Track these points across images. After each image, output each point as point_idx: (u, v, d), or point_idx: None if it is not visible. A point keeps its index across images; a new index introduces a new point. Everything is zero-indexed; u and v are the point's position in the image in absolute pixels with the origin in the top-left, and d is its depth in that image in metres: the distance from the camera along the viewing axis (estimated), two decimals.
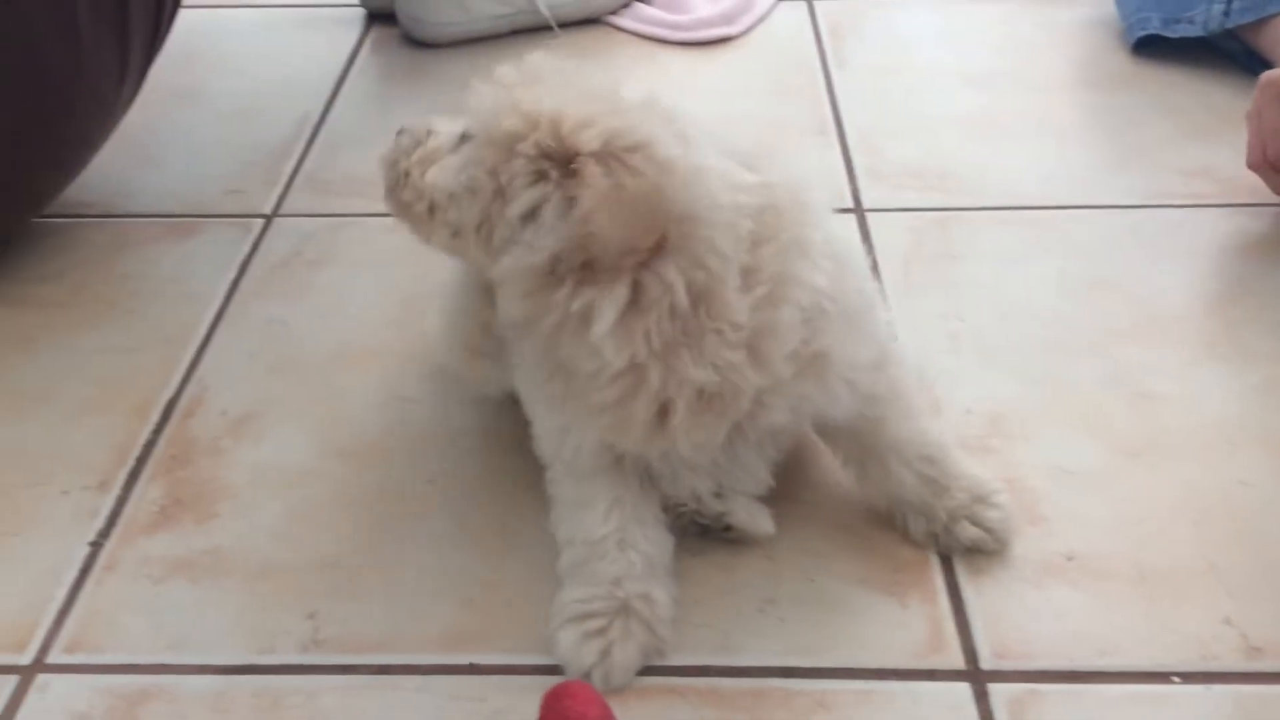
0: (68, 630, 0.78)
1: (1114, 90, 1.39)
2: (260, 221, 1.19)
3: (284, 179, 1.26)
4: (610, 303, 0.66)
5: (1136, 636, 0.77)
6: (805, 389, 0.73)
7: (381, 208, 1.21)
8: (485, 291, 0.83)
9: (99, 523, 0.86)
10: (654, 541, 0.78)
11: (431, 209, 0.75)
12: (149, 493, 0.88)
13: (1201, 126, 1.31)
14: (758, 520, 0.81)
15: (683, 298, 0.66)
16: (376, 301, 1.08)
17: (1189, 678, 0.74)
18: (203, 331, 1.05)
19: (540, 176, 0.67)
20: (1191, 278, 1.09)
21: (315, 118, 1.37)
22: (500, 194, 0.69)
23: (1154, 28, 1.42)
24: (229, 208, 1.22)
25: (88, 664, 0.76)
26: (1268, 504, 0.86)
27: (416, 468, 0.90)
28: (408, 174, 0.77)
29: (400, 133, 0.79)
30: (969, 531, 0.80)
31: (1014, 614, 0.78)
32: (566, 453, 0.78)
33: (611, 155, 0.65)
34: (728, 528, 0.81)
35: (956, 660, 0.75)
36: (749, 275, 0.68)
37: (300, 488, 0.88)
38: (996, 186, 1.22)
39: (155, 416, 0.95)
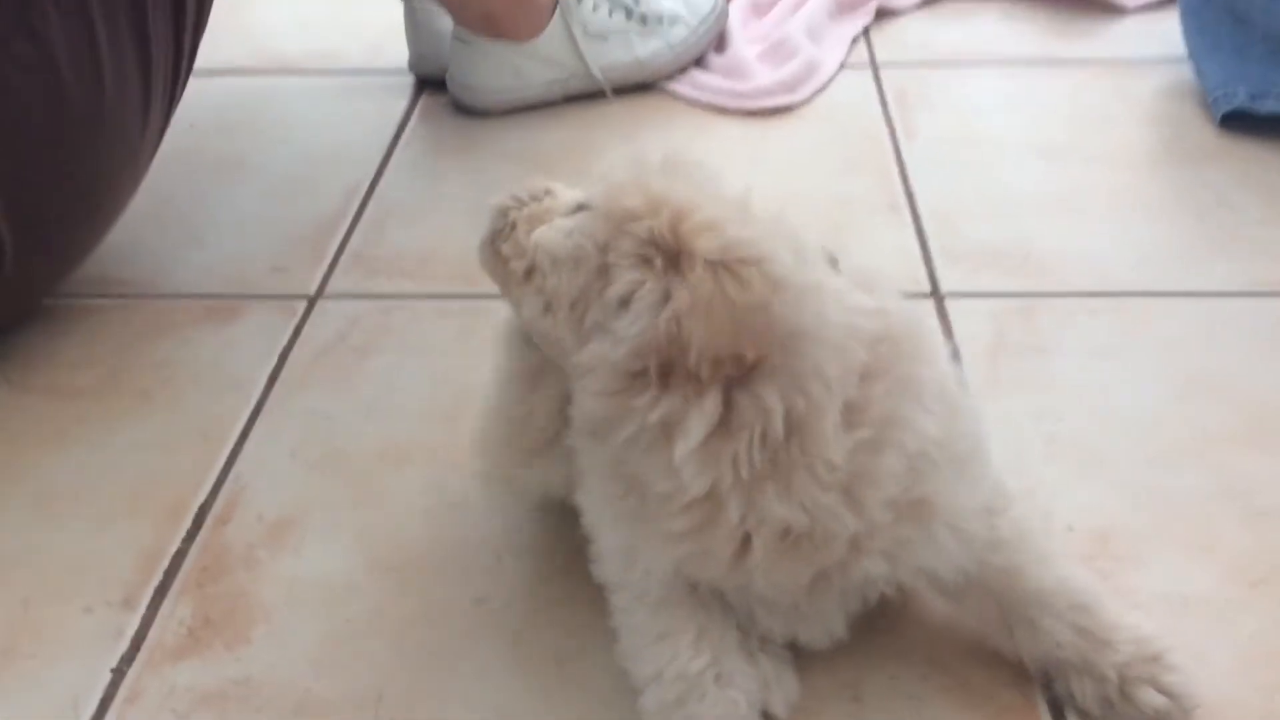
0: None
1: (1201, 166, 1.31)
2: (304, 303, 1.14)
3: (329, 257, 1.21)
4: (699, 419, 0.60)
5: None
6: (905, 535, 0.65)
7: (433, 288, 1.19)
8: (540, 385, 0.76)
9: (123, 645, 0.79)
10: (750, 676, 0.70)
11: (530, 271, 0.69)
12: (178, 611, 0.82)
13: None
14: (774, 696, 0.72)
15: (778, 425, 0.60)
16: (426, 394, 1.02)
17: None
18: (241, 425, 0.99)
19: (644, 262, 0.62)
20: None
21: (363, 191, 1.32)
22: (603, 272, 0.63)
23: (1240, 102, 1.34)
24: (272, 288, 1.16)
25: None
26: None
27: (464, 585, 0.83)
28: (514, 226, 0.70)
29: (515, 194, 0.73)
30: (1153, 700, 0.70)
31: None
32: (634, 577, 0.71)
33: (724, 264, 0.59)
34: None
35: None
36: (853, 412, 0.62)
37: (340, 607, 0.82)
38: (1083, 270, 1.14)
39: (188, 522, 0.89)
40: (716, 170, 0.67)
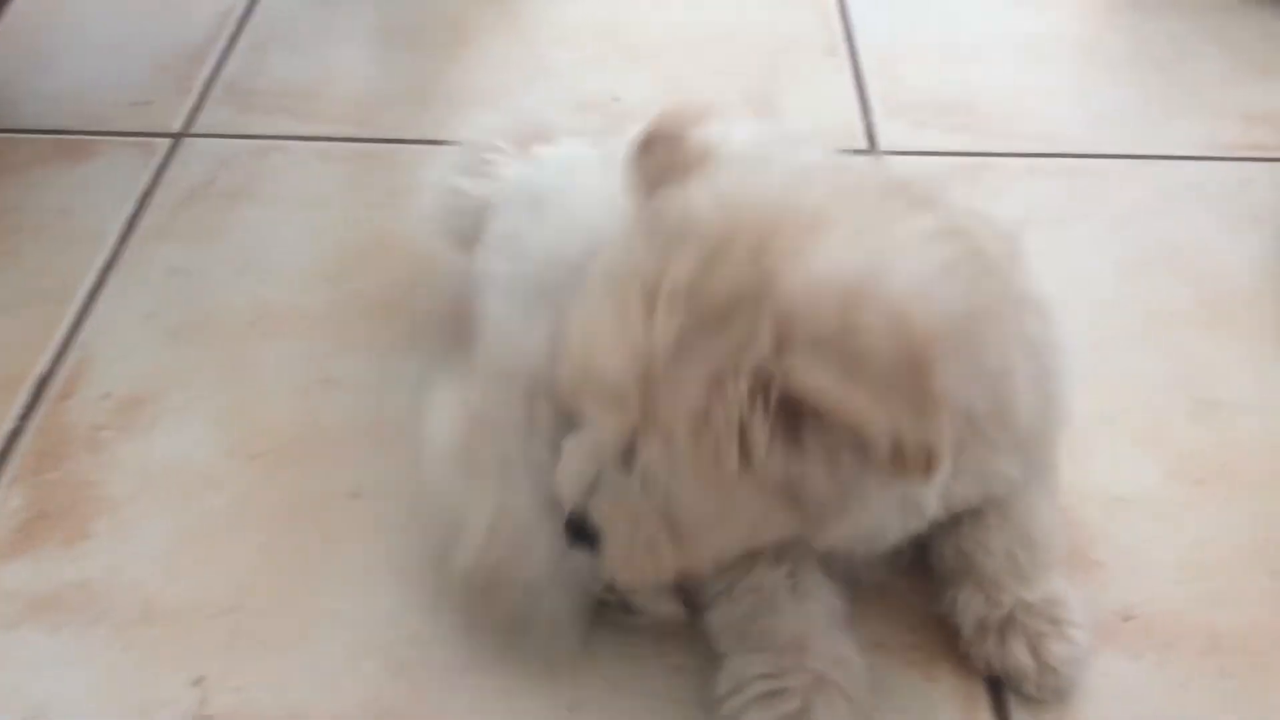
0: None
1: (1164, 15, 1.21)
2: (167, 142, 1.01)
3: (197, 89, 1.07)
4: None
5: None
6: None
7: (317, 129, 1.06)
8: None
9: None
10: (829, 587, 0.63)
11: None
12: (9, 502, 0.72)
13: (1262, 62, 1.14)
14: (661, 600, 0.64)
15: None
16: (305, 249, 0.91)
17: None
18: (90, 283, 0.87)
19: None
20: (1260, 250, 0.93)
21: (238, 12, 1.17)
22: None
23: None
24: (131, 123, 1.02)
25: None
26: None
27: (339, 476, 0.74)
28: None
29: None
30: (1019, 656, 0.62)
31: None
32: None
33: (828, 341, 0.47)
34: (628, 608, 0.64)
35: None
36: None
37: (196, 499, 0.72)
38: (1033, 128, 1.05)
39: (23, 397, 0.78)
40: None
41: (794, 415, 0.48)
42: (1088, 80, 1.11)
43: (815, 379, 0.46)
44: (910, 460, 0.48)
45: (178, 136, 1.01)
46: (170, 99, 1.05)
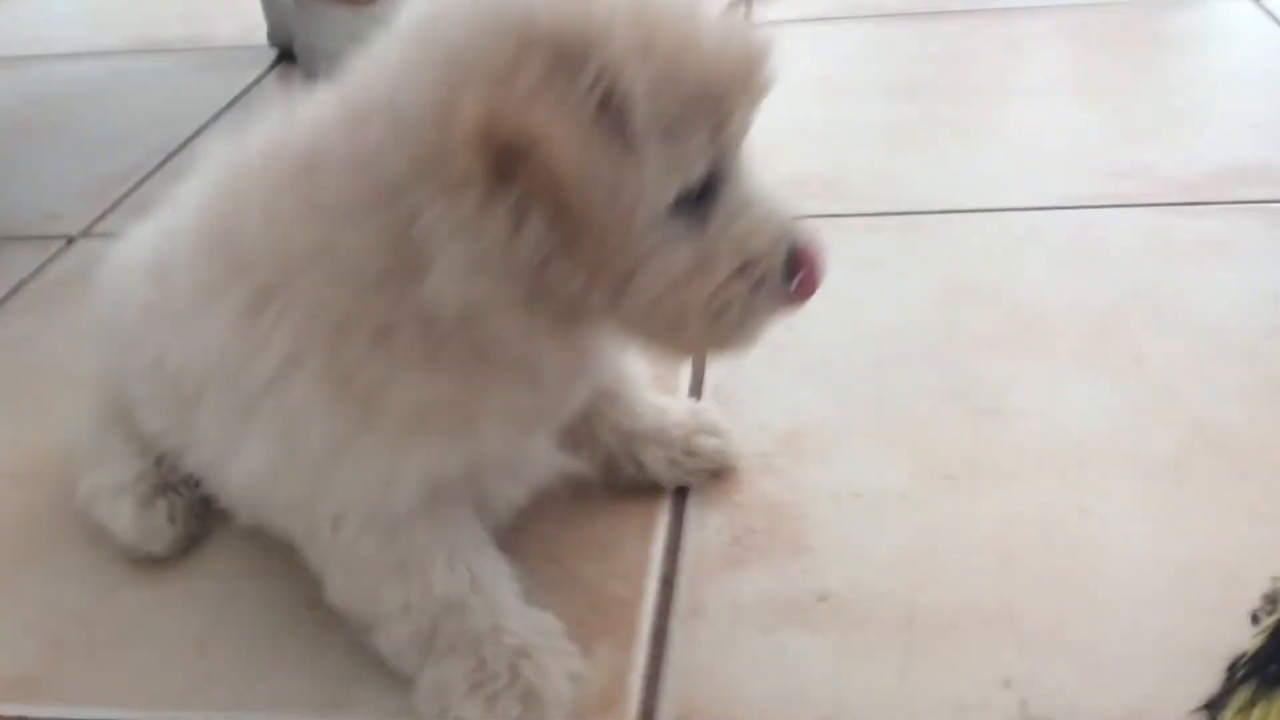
0: None
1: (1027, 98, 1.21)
2: (62, 242, 1.10)
3: (109, 202, 1.17)
4: None
5: (879, 697, 0.58)
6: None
7: None
8: None
9: None
10: (505, 570, 0.62)
11: None
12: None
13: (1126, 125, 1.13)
14: None
15: None
16: None
17: None
18: None
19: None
20: (1086, 282, 0.89)
21: (175, 145, 1.28)
22: None
23: None
24: (37, 229, 1.12)
25: None
26: (1109, 535, 0.66)
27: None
28: None
29: None
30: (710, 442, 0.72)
31: (726, 664, 0.60)
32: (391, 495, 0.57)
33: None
34: None
35: None
36: None
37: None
38: (887, 194, 1.04)
39: None
40: None
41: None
42: (953, 153, 1.11)
43: None
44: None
45: (72, 239, 1.10)
46: (81, 213, 1.15)
